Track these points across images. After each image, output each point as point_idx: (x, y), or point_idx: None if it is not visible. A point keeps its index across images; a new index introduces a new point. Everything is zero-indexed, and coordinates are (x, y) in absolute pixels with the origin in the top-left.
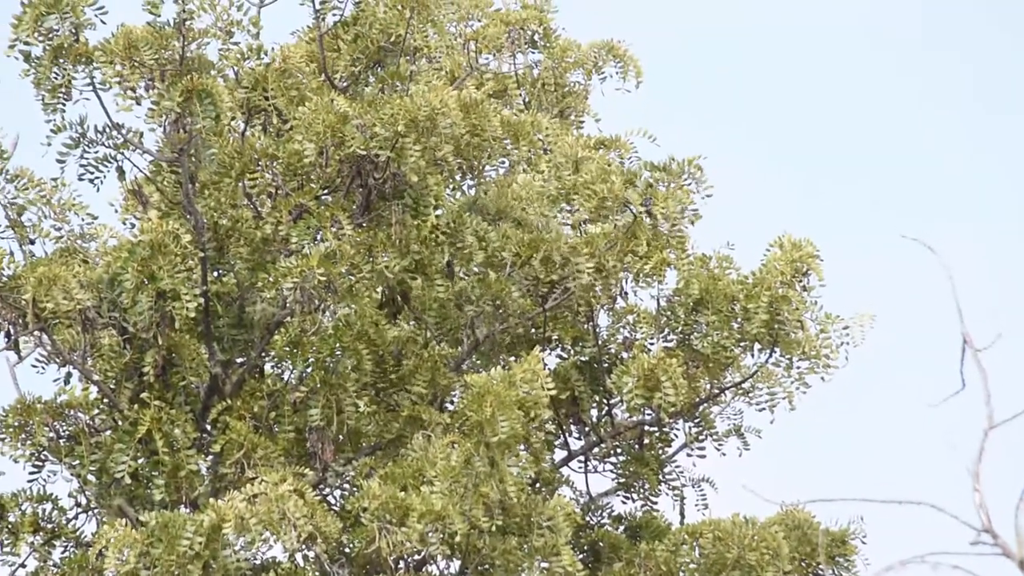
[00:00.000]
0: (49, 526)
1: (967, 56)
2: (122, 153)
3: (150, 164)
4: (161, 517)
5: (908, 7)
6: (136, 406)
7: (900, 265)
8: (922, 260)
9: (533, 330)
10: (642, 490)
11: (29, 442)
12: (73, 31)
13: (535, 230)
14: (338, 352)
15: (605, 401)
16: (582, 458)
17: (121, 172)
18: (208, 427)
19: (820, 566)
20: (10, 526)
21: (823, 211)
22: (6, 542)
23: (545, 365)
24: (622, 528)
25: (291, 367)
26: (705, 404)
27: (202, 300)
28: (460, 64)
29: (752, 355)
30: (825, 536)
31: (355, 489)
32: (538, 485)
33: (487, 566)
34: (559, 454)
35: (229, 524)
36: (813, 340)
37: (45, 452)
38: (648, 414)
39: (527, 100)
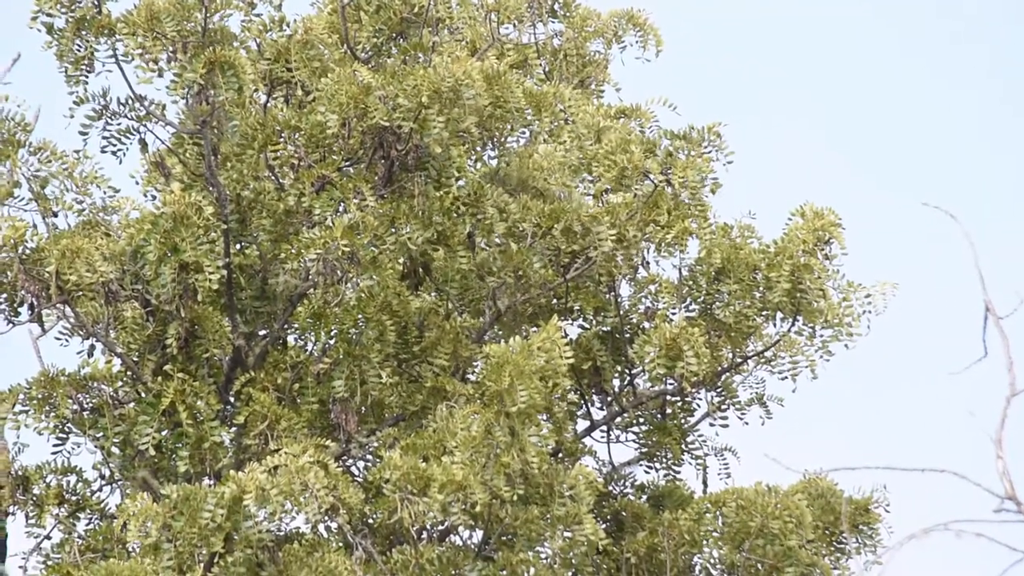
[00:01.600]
0: (73, 498)
1: (987, 34)
2: (144, 125)
3: (172, 136)
4: (182, 490)
5: None
6: (159, 378)
7: (922, 232)
8: (944, 227)
9: (555, 300)
10: (665, 459)
11: (53, 414)
12: (95, 2)
13: (556, 200)
14: (361, 323)
15: (627, 371)
16: (605, 428)
17: (143, 144)
18: (231, 399)
19: (843, 534)
20: (35, 498)
21: (845, 179)
22: (31, 514)
23: (566, 335)
24: (645, 497)
25: (314, 339)
26: (727, 373)
27: (225, 272)
28: (482, 35)
29: (774, 324)
30: (848, 504)
31: (378, 460)
32: (561, 455)
33: (509, 535)
34: (582, 424)
35: (250, 496)
36: (835, 308)
37: (69, 424)
38: (670, 383)
39: (548, 70)
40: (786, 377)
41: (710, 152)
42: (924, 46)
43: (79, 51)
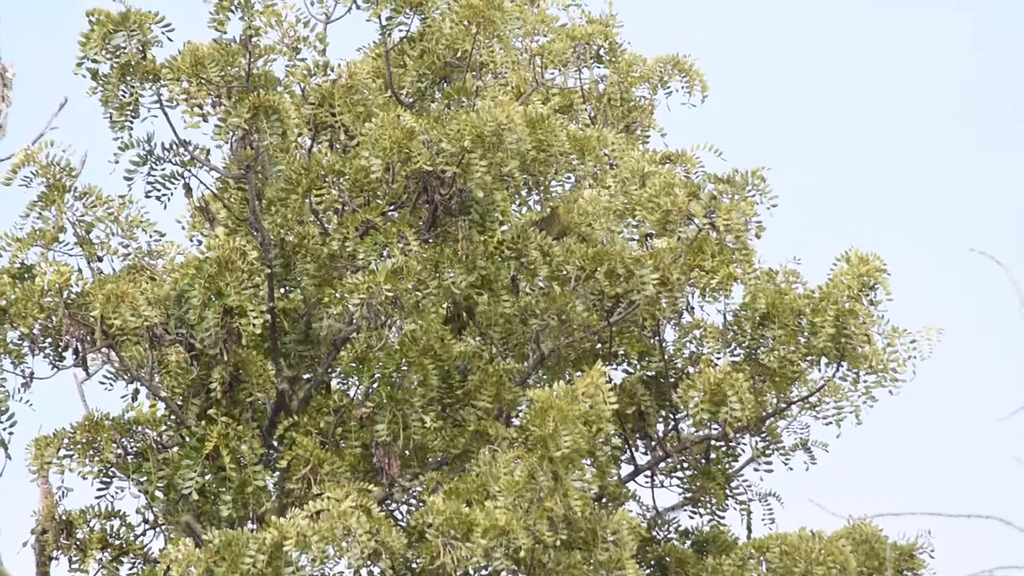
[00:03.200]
0: (117, 543)
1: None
2: (189, 170)
3: (217, 181)
4: (224, 535)
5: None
6: (203, 422)
7: (969, 279)
8: (991, 274)
9: (599, 345)
10: (709, 504)
11: (97, 459)
12: (140, 48)
13: (599, 244)
14: (404, 367)
15: (671, 416)
16: (648, 473)
17: (188, 189)
18: (275, 443)
19: None
20: (78, 542)
21: (891, 223)
22: (74, 558)
23: (610, 380)
24: (689, 543)
25: (357, 383)
26: (772, 418)
27: (269, 316)
28: (526, 79)
29: (819, 369)
30: (893, 550)
31: (421, 504)
32: (604, 500)
33: None
34: (626, 469)
35: (290, 541)
36: (880, 354)
37: (113, 468)
38: (714, 428)
39: (593, 115)
40: (831, 422)
41: (754, 196)
42: (975, 95)
43: (124, 96)
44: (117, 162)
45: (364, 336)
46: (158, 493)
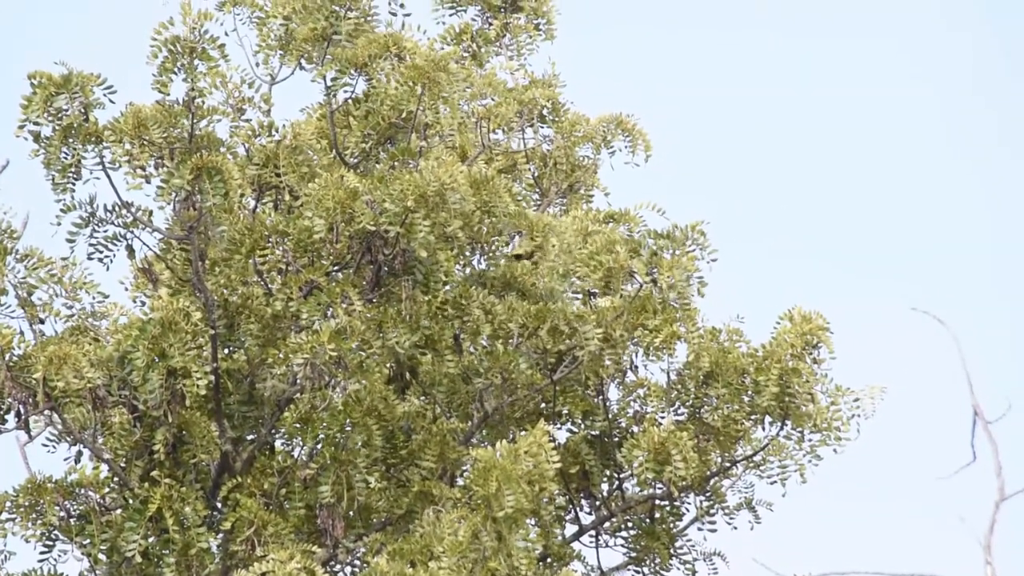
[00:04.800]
0: None
1: (976, 115)
2: (132, 231)
3: (160, 242)
4: None
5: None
6: (147, 484)
7: (910, 337)
8: (932, 332)
9: (543, 404)
10: (653, 564)
11: (40, 521)
12: (83, 111)
13: (541, 301)
14: (348, 428)
15: (616, 475)
16: (593, 532)
17: (131, 250)
18: (219, 504)
19: None
20: None
21: (833, 282)
22: None
23: (554, 439)
24: None
25: (301, 444)
26: (716, 477)
27: (212, 377)
28: (471, 141)
29: (763, 428)
30: None
31: (365, 565)
32: (549, 560)
33: None
34: (570, 529)
35: None
36: (824, 412)
37: (56, 531)
38: (659, 488)
39: (537, 175)
40: (775, 481)
41: (694, 251)
42: (912, 147)
43: (66, 158)
44: (59, 224)
45: (308, 396)
46: (101, 556)
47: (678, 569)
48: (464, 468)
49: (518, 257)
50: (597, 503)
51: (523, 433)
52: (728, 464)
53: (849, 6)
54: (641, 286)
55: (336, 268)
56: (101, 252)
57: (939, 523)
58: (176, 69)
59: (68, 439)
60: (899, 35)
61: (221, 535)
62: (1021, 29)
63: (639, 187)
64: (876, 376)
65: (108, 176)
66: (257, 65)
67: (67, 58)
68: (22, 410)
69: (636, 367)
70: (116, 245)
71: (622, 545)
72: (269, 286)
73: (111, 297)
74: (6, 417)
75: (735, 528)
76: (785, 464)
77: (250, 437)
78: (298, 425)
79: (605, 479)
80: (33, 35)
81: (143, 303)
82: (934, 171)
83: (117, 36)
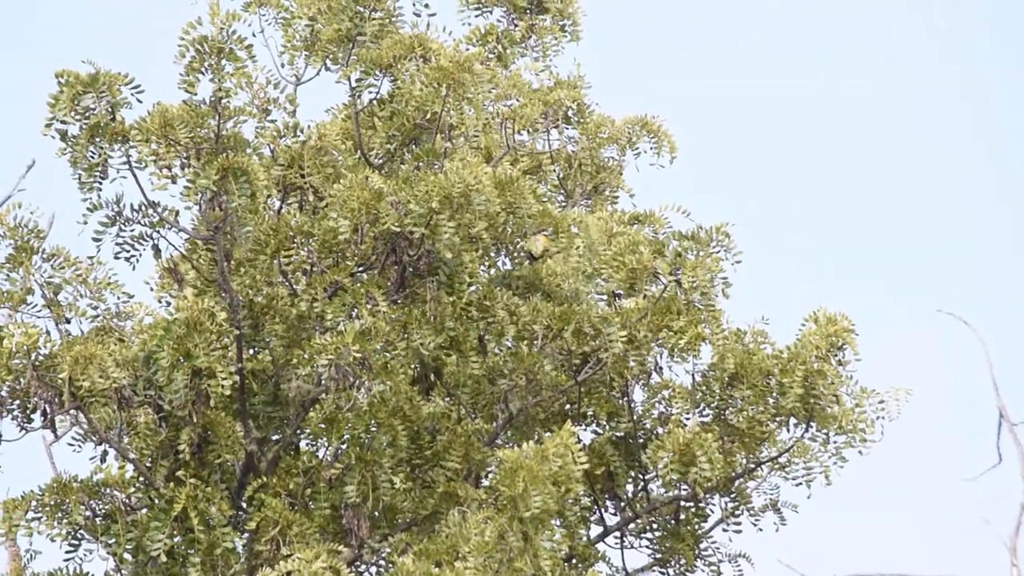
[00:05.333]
0: None
1: (1009, 136)
2: (158, 231)
3: (186, 242)
4: None
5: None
6: (172, 484)
7: (936, 338)
8: (958, 333)
9: (568, 406)
10: (678, 565)
11: (65, 521)
12: (109, 110)
13: (566, 302)
14: (373, 428)
15: (640, 476)
16: (618, 534)
17: (157, 250)
18: (244, 505)
19: None
20: None
21: (858, 283)
22: None
23: (579, 440)
24: None
25: (326, 444)
26: (741, 479)
27: (237, 378)
28: (496, 142)
29: (788, 430)
30: None
31: (390, 566)
32: (574, 560)
33: None
34: (595, 530)
35: None
36: (849, 414)
37: (81, 531)
38: (684, 489)
39: (562, 177)
40: (800, 483)
41: (718, 252)
42: (940, 147)
43: (93, 158)
44: (85, 223)
45: (333, 397)
46: (127, 555)
47: (703, 571)
48: (489, 469)
49: (532, 257)
50: (622, 504)
51: (548, 434)
52: (753, 465)
53: (873, 6)
54: (665, 287)
55: (361, 269)
56: (127, 252)
57: (964, 525)
58: (203, 69)
59: (93, 439)
60: (928, 34)
61: (246, 535)
62: None
63: (664, 188)
64: (901, 378)
65: (134, 176)
66: (282, 66)
67: (95, 57)
68: (48, 410)
69: (661, 368)
70: (142, 245)
71: (647, 546)
72: (294, 287)
73: (136, 297)
74: (32, 416)
75: (760, 530)
76: (810, 466)
77: (275, 437)
78: (323, 425)
79: (630, 480)
80: (61, 34)
81: (168, 303)
82: (963, 171)
83: (145, 35)
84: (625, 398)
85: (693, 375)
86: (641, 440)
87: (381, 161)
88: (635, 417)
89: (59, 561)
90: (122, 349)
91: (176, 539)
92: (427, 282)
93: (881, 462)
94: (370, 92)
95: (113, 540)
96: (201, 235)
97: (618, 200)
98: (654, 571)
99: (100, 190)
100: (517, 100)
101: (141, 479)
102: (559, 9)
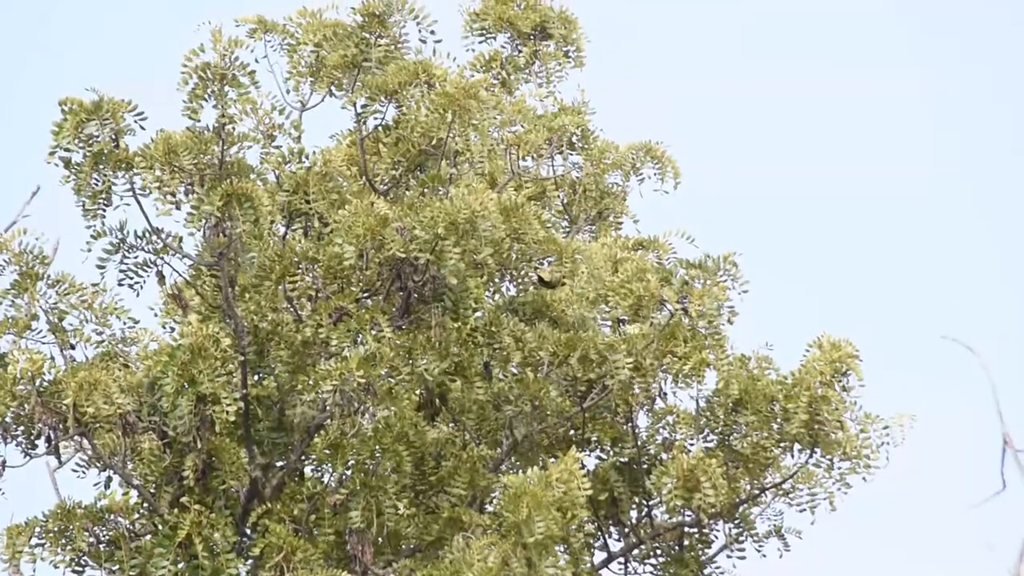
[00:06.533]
0: None
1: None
2: (162, 258)
3: (190, 268)
4: None
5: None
6: (176, 510)
7: (940, 365)
8: (962, 360)
9: (572, 431)
10: None
11: (69, 547)
12: (113, 137)
13: (572, 329)
14: (378, 454)
15: (644, 502)
16: (622, 559)
17: (161, 277)
18: (248, 531)
19: None
20: None
21: (862, 310)
22: None
23: (583, 466)
24: None
25: (331, 470)
26: (745, 505)
27: (242, 404)
28: (501, 168)
29: (792, 455)
30: None
31: None
32: None
33: None
34: (599, 556)
35: None
36: (853, 440)
37: (85, 557)
38: (688, 515)
39: (566, 203)
40: (804, 509)
41: (726, 281)
42: (949, 173)
43: (97, 185)
44: (90, 250)
45: (337, 423)
46: None
47: None
48: (493, 495)
49: (543, 282)
50: (626, 530)
51: (553, 460)
52: (757, 491)
53: (874, 32)
54: (672, 315)
55: (366, 295)
56: (131, 278)
57: (968, 552)
58: (207, 96)
59: (98, 465)
60: (936, 56)
61: (250, 561)
62: None
63: (668, 214)
64: (905, 404)
65: (138, 202)
66: (287, 92)
67: (98, 84)
68: (52, 435)
69: (665, 394)
70: (146, 271)
71: (651, 572)
72: (299, 312)
73: (141, 323)
74: (36, 442)
75: (764, 556)
76: (814, 492)
77: (279, 463)
78: (328, 451)
79: (634, 506)
80: (65, 62)
81: (173, 329)
82: (969, 194)
83: (148, 62)
84: (629, 424)
85: (697, 401)
86: (645, 466)
87: (386, 187)
88: (639, 443)
89: None
90: (126, 375)
91: (180, 565)
92: (432, 308)
93: (885, 488)
94: (375, 118)
95: (117, 567)
96: (205, 261)
97: (622, 226)
98: None
99: (104, 217)
100: (521, 126)
101: (145, 505)
102: (563, 35)
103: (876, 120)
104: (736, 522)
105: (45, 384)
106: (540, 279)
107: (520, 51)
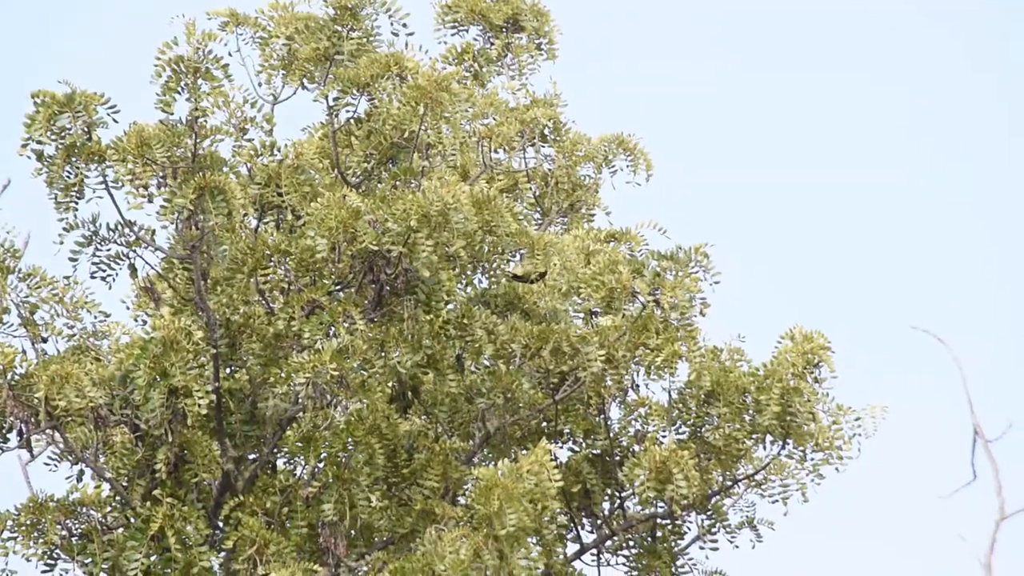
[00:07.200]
0: None
1: (974, 151)
2: (134, 250)
3: (162, 261)
4: None
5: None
6: (148, 503)
7: (911, 356)
8: (933, 351)
9: (545, 423)
10: None
11: (41, 540)
12: (86, 130)
13: (544, 321)
14: (350, 447)
15: (617, 494)
16: (595, 551)
17: (133, 269)
18: (220, 524)
19: None
20: None
21: (834, 302)
22: None
23: (556, 458)
24: None
25: (303, 462)
26: (717, 496)
27: (214, 397)
28: (473, 160)
29: (764, 447)
30: None
31: None
32: None
33: None
34: (571, 547)
35: None
36: (825, 431)
37: (57, 550)
38: (660, 507)
39: (538, 195)
40: (776, 500)
41: (697, 272)
42: (912, 165)
43: (69, 178)
44: (62, 243)
45: (310, 416)
46: (103, 575)
47: None
48: (466, 487)
49: (517, 277)
50: (599, 522)
51: (525, 452)
52: (729, 483)
53: (846, 23)
54: (644, 306)
55: (338, 287)
56: (103, 271)
57: (940, 542)
58: (179, 89)
59: (70, 458)
60: (895, 59)
61: (223, 554)
62: None
63: (640, 206)
64: (877, 395)
65: (111, 195)
66: (260, 85)
67: (70, 77)
68: (24, 429)
69: (637, 386)
70: (118, 264)
71: (624, 564)
72: (271, 305)
73: (113, 316)
74: (8, 436)
75: (737, 547)
76: (786, 483)
77: (252, 456)
78: (300, 444)
79: (607, 498)
80: (37, 55)
81: (145, 322)
82: (938, 186)
83: (120, 56)
84: (602, 416)
85: (670, 393)
86: (618, 458)
87: (358, 180)
88: (612, 435)
89: None
90: (98, 368)
91: (153, 558)
92: (404, 300)
93: (857, 479)
94: (347, 111)
95: (89, 560)
96: (178, 254)
97: (594, 218)
98: None
99: (76, 210)
100: (494, 118)
101: (117, 498)
102: (535, 28)
103: (847, 111)
104: (708, 513)
105: (16, 378)
106: (515, 276)
107: (492, 44)
